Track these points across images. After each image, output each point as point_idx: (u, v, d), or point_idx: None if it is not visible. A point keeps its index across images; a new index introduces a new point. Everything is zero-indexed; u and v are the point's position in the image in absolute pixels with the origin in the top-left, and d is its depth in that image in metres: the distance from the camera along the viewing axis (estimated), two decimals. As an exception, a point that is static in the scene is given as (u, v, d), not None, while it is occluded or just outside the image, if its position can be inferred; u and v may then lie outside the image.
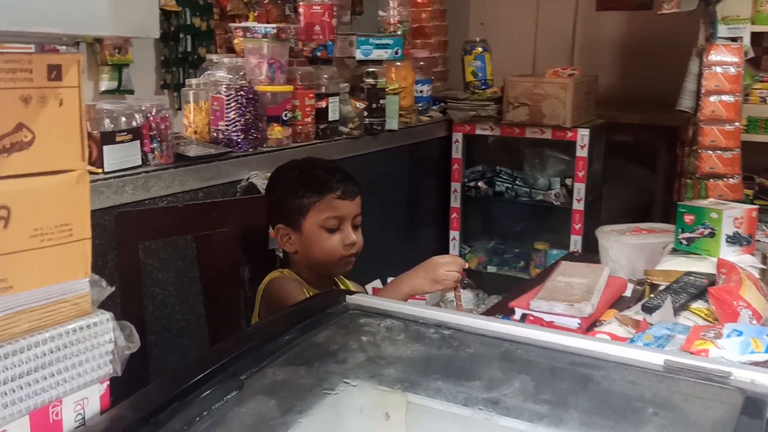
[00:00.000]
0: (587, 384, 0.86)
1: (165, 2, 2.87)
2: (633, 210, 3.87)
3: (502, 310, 1.57)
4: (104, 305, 0.79)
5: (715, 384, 0.83)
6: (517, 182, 3.68)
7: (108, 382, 0.82)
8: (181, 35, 3.03)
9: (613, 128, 3.90)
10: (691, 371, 0.85)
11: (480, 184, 3.72)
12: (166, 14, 2.91)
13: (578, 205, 3.47)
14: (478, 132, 3.62)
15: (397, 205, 3.44)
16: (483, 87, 3.71)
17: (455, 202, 3.74)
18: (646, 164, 4.13)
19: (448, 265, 1.56)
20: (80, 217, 0.74)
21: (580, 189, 3.46)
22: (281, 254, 1.74)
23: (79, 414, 0.79)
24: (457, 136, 3.67)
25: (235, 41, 2.68)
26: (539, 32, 4.69)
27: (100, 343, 0.75)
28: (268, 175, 2.50)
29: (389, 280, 2.93)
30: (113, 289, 0.76)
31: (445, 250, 3.79)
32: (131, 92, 2.85)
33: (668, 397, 0.84)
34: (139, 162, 2.10)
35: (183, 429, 0.79)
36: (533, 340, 0.95)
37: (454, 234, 3.78)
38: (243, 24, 2.63)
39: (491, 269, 3.80)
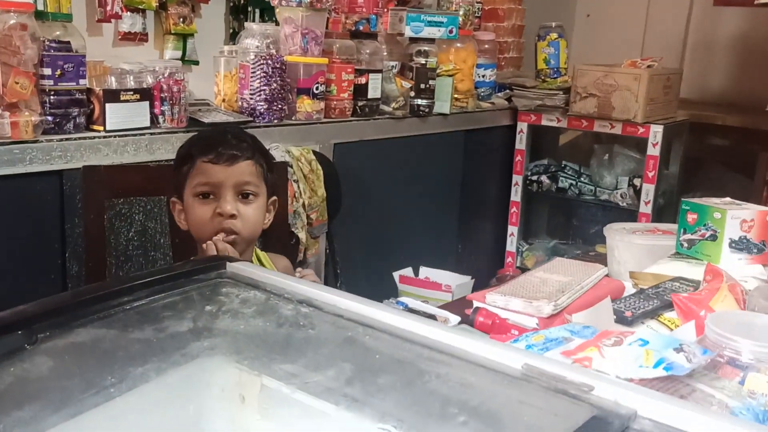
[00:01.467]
0: (418, 379, 0.71)
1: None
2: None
3: (464, 304, 1.41)
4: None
5: (567, 398, 0.65)
6: (582, 179, 3.43)
7: None
8: (250, 8, 3.00)
9: (703, 129, 3.55)
10: (549, 380, 0.68)
11: (543, 178, 3.50)
12: (235, -13, 2.89)
13: (645, 208, 3.18)
14: (544, 123, 3.39)
15: (450, 194, 3.28)
16: (554, 75, 3.47)
17: (516, 195, 3.53)
18: (741, 170, 3.74)
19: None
20: None
21: (648, 191, 3.16)
22: None
23: None
24: (522, 126, 3.45)
25: (276, 10, 2.62)
26: (649, 27, 4.36)
27: None
28: (291, 148, 2.46)
29: (424, 270, 2.82)
30: None
31: (501, 246, 3.60)
32: (196, 63, 2.85)
33: (498, 405, 0.67)
34: (147, 123, 2.07)
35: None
36: (392, 327, 0.81)
37: (513, 230, 3.57)
38: (277, -8, 2.56)
39: (549, 270, 3.56)
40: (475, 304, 1.33)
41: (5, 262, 1.81)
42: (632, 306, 1.17)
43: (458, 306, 1.42)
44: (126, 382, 0.73)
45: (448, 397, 0.67)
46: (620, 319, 1.21)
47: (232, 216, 1.37)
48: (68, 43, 1.87)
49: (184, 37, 2.83)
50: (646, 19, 4.35)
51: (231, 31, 2.99)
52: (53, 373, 0.72)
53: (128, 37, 2.64)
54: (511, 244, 3.58)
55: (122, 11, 2.56)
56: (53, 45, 1.82)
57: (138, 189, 1.66)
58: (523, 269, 3.55)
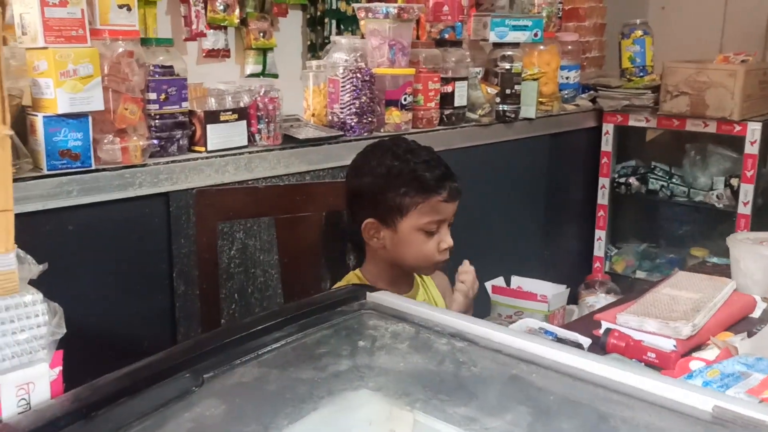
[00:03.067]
0: (603, 424, 0.67)
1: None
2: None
3: (589, 323, 1.36)
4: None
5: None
6: (674, 180, 3.32)
7: (60, 368, 0.76)
8: (326, 19, 3.02)
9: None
10: (745, 424, 0.64)
11: (631, 180, 3.40)
12: (312, -1, 2.90)
13: (744, 209, 3.05)
14: (632, 123, 3.30)
15: (536, 200, 3.22)
16: (641, 74, 3.38)
17: (603, 198, 3.44)
18: None
19: (461, 274, 1.50)
20: (0, 186, 0.68)
21: (747, 191, 3.04)
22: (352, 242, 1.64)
23: (23, 399, 0.74)
24: (608, 128, 3.36)
25: (361, 23, 2.61)
26: (728, 16, 4.19)
27: (31, 325, 0.69)
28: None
29: (516, 279, 2.77)
30: (43, 267, 0.70)
31: (589, 250, 3.52)
32: (275, 76, 2.88)
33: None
34: (245, 142, 2.08)
35: (123, 426, 0.71)
36: (558, 364, 0.77)
37: (600, 233, 3.48)
38: (365, 4, 2.55)
39: (640, 274, 3.46)
40: (605, 325, 1.29)
41: (117, 282, 1.85)
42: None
43: (584, 326, 1.38)
44: (297, 425, 0.72)
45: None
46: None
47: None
48: (171, 67, 1.90)
49: (264, 52, 2.87)
50: (725, 8, 4.18)
51: (309, 42, 3.02)
52: (228, 417, 0.71)
53: (212, 54, 2.69)
54: (599, 249, 3.49)
55: (206, 29, 2.61)
56: (158, 70, 1.86)
57: (247, 210, 1.67)
58: (613, 274, 3.47)
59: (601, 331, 1.27)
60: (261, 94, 2.13)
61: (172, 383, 0.74)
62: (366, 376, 0.79)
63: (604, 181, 3.42)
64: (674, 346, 1.20)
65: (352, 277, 1.46)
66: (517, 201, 3.08)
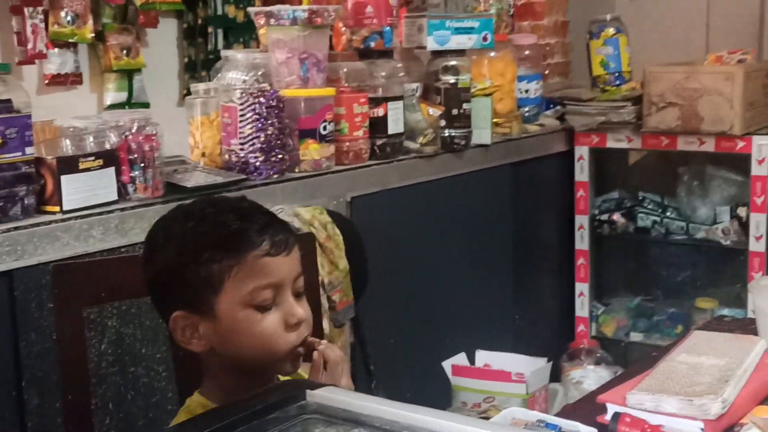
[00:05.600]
0: None
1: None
2: None
3: (588, 407, 1.38)
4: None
5: None
6: (669, 214, 3.44)
7: None
8: (210, 29, 3.01)
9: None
10: None
11: (615, 217, 3.51)
12: (189, 2, 2.89)
13: (757, 245, 3.18)
14: (611, 144, 3.41)
15: (499, 249, 3.27)
16: (617, 82, 3.51)
17: (582, 243, 3.53)
18: None
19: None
20: None
21: (759, 222, 3.17)
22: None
23: None
24: (581, 151, 3.47)
25: (260, 32, 2.63)
26: (713, 7, 4.41)
27: None
28: (300, 210, 2.45)
29: (482, 354, 2.79)
30: None
31: (570, 310, 3.59)
32: (146, 105, 2.85)
33: None
34: (115, 196, 2.06)
35: None
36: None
37: (582, 287, 3.56)
38: (263, 8, 2.57)
39: (635, 337, 3.55)
40: (612, 408, 1.31)
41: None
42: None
43: (582, 411, 1.39)
44: None
45: None
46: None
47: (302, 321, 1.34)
48: (9, 101, 1.86)
49: (129, 74, 2.84)
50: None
51: (187, 60, 3.00)
52: None
53: (57, 81, 2.63)
54: (582, 307, 3.56)
55: (48, 48, 2.56)
56: (-11, 106, 1.82)
57: (124, 289, 1.63)
58: (601, 339, 3.54)
59: (608, 417, 1.28)
60: (133, 131, 2.12)
61: None
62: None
63: (581, 220, 3.51)
64: (701, 429, 1.23)
65: (196, 407, 1.37)
66: (477, 252, 3.11)
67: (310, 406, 0.95)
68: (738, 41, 3.90)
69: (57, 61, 2.63)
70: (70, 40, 2.59)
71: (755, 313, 1.62)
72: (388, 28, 2.69)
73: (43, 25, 2.50)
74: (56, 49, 2.59)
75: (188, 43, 2.97)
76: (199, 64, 2.96)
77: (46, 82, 2.59)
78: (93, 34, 2.64)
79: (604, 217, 3.52)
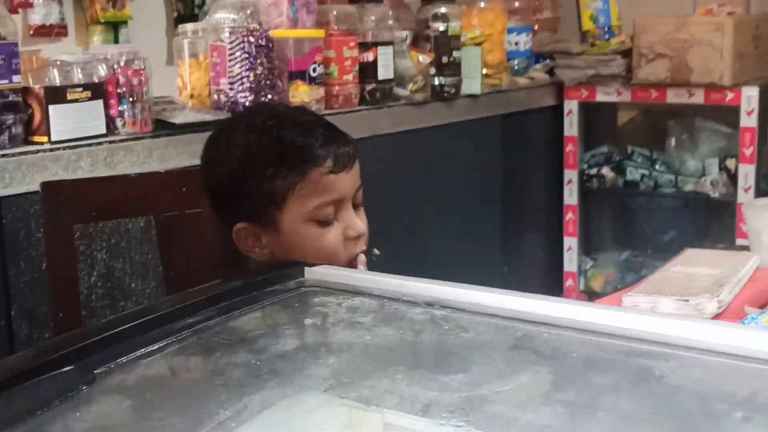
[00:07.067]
0: (644, 378, 0.68)
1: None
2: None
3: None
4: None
5: None
6: (657, 167, 3.46)
7: None
8: (200, -18, 2.99)
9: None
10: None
11: (605, 171, 3.52)
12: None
13: (746, 197, 3.19)
14: (600, 98, 3.42)
15: (488, 201, 3.27)
16: (606, 36, 3.52)
17: (571, 197, 3.54)
18: None
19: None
20: None
21: (747, 173, 3.18)
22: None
23: None
24: (571, 105, 3.47)
25: (249, -26, 2.61)
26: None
27: None
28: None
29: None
30: None
31: (558, 264, 3.59)
32: (132, 58, 2.82)
33: None
34: (103, 129, 2.04)
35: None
36: (571, 320, 0.77)
37: (571, 242, 3.57)
38: (252, -53, 2.55)
39: (624, 291, 3.56)
40: (608, 311, 1.31)
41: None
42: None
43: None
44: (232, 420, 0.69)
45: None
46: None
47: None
48: (-5, 27, 1.84)
49: (115, 27, 2.81)
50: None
51: (176, 14, 2.97)
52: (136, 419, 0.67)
53: (42, 32, 2.61)
54: (571, 262, 3.57)
55: (33, -2, 2.53)
56: (-26, 32, 1.80)
57: (116, 208, 1.62)
58: (590, 293, 3.55)
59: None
60: (121, 64, 2.09)
61: (52, 380, 0.70)
62: (322, 356, 0.76)
63: (570, 175, 3.52)
64: (698, 329, 1.23)
65: None
66: (466, 203, 3.11)
67: (308, 281, 0.95)
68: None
69: (42, 12, 2.59)
70: (55, -10, 2.57)
71: (748, 233, 1.63)
72: (378, -29, 2.68)
73: (27, -27, 2.48)
74: (41, 0, 2.57)
75: (176, -5, 2.95)
76: (186, 18, 2.93)
77: (31, 33, 2.56)
78: (78, -15, 2.61)
79: (593, 171, 3.53)
